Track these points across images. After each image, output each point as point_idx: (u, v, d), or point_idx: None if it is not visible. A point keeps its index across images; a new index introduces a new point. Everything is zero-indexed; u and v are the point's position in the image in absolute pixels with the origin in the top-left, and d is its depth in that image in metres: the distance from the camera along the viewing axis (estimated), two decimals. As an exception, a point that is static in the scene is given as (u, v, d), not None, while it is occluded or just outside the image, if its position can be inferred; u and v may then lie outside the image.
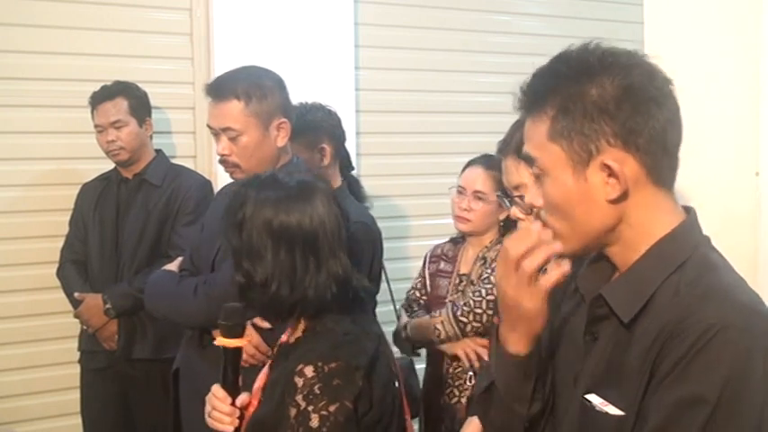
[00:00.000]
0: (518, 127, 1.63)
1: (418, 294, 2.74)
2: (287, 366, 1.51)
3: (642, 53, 1.20)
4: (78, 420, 3.10)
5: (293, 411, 1.43)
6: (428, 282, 2.71)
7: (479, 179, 2.59)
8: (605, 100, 1.14)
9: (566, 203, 1.18)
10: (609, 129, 1.14)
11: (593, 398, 1.18)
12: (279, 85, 2.26)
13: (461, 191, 2.62)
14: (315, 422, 1.42)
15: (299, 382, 1.44)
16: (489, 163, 2.56)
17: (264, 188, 1.59)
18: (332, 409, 1.43)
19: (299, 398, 1.43)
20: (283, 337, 1.73)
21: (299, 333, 1.60)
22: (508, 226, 2.60)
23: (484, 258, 2.57)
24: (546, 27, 4.05)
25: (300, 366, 1.46)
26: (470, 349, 2.47)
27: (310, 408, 1.42)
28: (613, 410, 1.15)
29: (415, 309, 2.71)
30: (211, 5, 3.36)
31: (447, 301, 2.59)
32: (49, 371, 3.25)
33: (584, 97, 1.15)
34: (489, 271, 2.50)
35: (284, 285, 1.53)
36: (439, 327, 2.49)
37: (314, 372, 1.44)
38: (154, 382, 2.90)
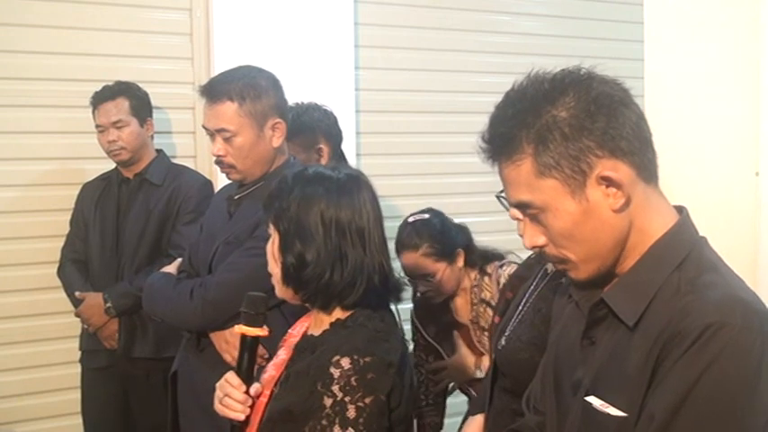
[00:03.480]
0: None
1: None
2: (319, 357, 1.51)
3: (581, 67, 1.20)
4: (78, 420, 3.10)
5: (329, 401, 1.44)
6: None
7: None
8: (577, 117, 1.14)
9: (574, 228, 1.17)
10: (592, 142, 1.14)
11: (593, 399, 1.18)
12: (274, 85, 2.24)
13: None
14: (352, 413, 1.43)
15: (336, 372, 1.45)
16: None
17: (312, 181, 1.59)
18: (368, 401, 1.43)
19: (335, 388, 1.44)
20: (298, 329, 1.72)
21: (325, 326, 1.59)
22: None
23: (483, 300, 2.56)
24: (546, 27, 4.05)
25: (337, 357, 1.46)
26: None
27: (347, 399, 1.43)
28: (615, 411, 1.15)
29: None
30: (211, 5, 3.36)
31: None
32: (49, 371, 3.24)
33: (556, 122, 1.14)
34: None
35: (336, 269, 1.54)
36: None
37: (350, 364, 1.45)
38: (154, 382, 2.90)
